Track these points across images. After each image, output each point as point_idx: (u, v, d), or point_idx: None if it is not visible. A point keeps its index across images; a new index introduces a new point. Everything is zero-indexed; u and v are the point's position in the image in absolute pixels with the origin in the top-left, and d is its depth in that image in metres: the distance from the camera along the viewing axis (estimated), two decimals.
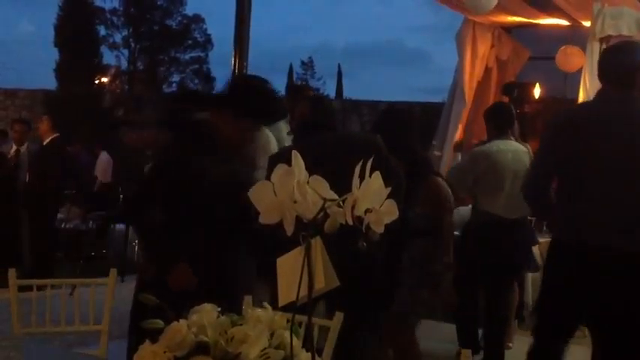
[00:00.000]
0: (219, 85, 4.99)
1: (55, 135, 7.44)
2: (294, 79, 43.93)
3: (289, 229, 1.07)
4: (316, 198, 1.06)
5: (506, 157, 4.77)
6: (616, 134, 3.13)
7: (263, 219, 1.10)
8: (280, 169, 1.08)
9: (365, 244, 1.09)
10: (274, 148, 4.35)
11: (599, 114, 3.21)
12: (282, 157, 3.35)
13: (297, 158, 1.08)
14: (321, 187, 1.08)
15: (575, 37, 8.03)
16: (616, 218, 3.08)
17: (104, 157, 11.78)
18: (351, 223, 1.05)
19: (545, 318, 3.36)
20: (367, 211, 1.07)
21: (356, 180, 1.07)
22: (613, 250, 3.05)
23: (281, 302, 1.16)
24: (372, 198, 1.06)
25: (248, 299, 2.26)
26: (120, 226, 8.90)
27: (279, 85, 5.91)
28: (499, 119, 4.97)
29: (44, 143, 7.50)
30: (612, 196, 3.09)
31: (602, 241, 3.07)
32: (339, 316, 2.26)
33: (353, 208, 1.06)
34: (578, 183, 3.18)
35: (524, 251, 5.04)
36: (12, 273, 2.71)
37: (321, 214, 1.07)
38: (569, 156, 3.19)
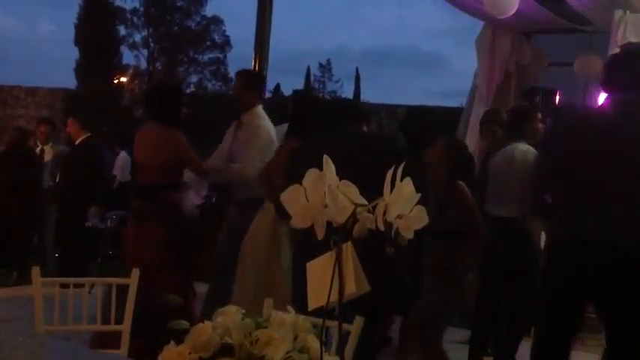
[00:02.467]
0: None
1: (86, 135, 7.44)
2: (312, 81, 43.99)
3: (320, 233, 1.08)
4: (347, 203, 1.07)
5: (505, 157, 4.83)
6: (616, 134, 3.28)
7: (294, 223, 1.11)
8: (313, 173, 1.09)
9: (393, 249, 1.09)
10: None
11: (606, 117, 3.33)
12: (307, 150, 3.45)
13: (328, 163, 1.09)
14: (352, 193, 1.08)
15: (595, 43, 7.99)
16: (610, 215, 3.25)
17: (123, 155, 11.87)
18: (382, 228, 1.06)
19: (550, 317, 3.45)
20: (397, 216, 1.07)
21: (387, 186, 1.07)
22: (609, 246, 3.20)
23: (311, 306, 1.17)
24: (404, 204, 1.07)
25: (269, 301, 2.26)
26: None
27: (296, 86, 5.98)
28: (507, 125, 5.13)
29: (76, 143, 7.51)
30: (608, 194, 3.25)
31: (600, 238, 3.22)
32: (359, 321, 2.26)
33: (384, 213, 1.06)
34: (576, 183, 3.29)
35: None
36: (36, 271, 2.73)
37: (351, 219, 1.07)
38: (566, 158, 3.34)
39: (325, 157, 1.10)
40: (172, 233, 4.30)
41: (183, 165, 4.47)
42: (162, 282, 4.09)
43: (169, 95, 4.65)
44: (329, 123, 3.90)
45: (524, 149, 4.77)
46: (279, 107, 5.31)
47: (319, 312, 1.17)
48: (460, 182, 4.04)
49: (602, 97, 6.87)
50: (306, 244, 3.43)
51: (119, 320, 2.93)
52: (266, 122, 4.88)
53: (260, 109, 4.95)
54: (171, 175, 4.43)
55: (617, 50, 6.83)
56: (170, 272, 4.22)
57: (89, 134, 7.47)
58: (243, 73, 5.30)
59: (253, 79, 5.28)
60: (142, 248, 4.25)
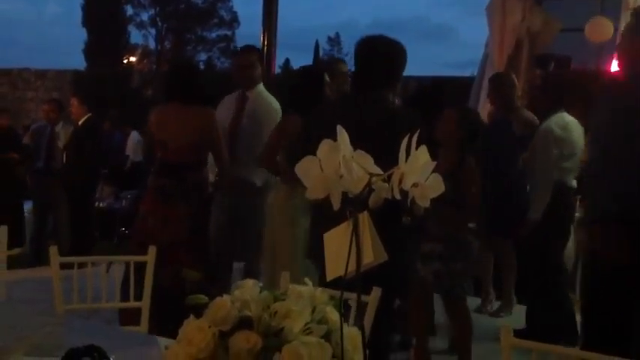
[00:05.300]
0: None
1: (88, 114, 7.53)
2: (321, 55, 43.73)
3: (336, 204, 1.08)
4: (362, 173, 1.07)
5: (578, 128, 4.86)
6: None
7: (310, 194, 1.10)
8: (326, 144, 1.08)
9: (410, 218, 1.09)
10: None
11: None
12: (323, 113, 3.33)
13: (342, 134, 1.08)
14: (367, 162, 1.08)
15: (607, 7, 7.89)
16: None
17: (135, 135, 11.91)
18: (398, 197, 1.05)
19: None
20: (413, 185, 1.07)
21: (402, 154, 1.07)
22: None
23: (329, 277, 1.17)
24: (419, 172, 1.06)
25: (286, 275, 2.28)
26: None
27: (306, 60, 5.94)
28: (561, 91, 5.04)
29: (79, 123, 7.59)
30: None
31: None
32: (376, 291, 2.27)
33: (400, 182, 1.06)
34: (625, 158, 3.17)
35: None
36: (54, 250, 2.75)
37: (367, 189, 1.07)
38: (612, 130, 3.19)
39: (339, 127, 1.09)
40: (199, 212, 4.27)
41: (210, 147, 4.39)
42: (186, 260, 4.10)
43: (195, 73, 4.58)
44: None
45: None
46: (288, 82, 5.21)
47: (337, 283, 1.18)
48: (471, 163, 4.00)
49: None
50: (321, 217, 3.40)
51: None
52: (275, 103, 4.79)
53: (262, 86, 4.88)
54: (199, 154, 4.37)
55: (629, 12, 6.75)
56: (194, 250, 4.21)
57: (90, 114, 7.54)
58: (255, 48, 5.17)
59: (261, 55, 5.18)
60: (167, 227, 4.22)
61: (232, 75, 4.99)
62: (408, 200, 1.09)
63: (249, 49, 5.12)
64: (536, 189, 4.88)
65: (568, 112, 4.89)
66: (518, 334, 2.02)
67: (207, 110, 4.34)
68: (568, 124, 4.82)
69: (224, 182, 4.65)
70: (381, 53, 3.28)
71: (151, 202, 4.37)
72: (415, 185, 1.07)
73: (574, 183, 4.91)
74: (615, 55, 6.78)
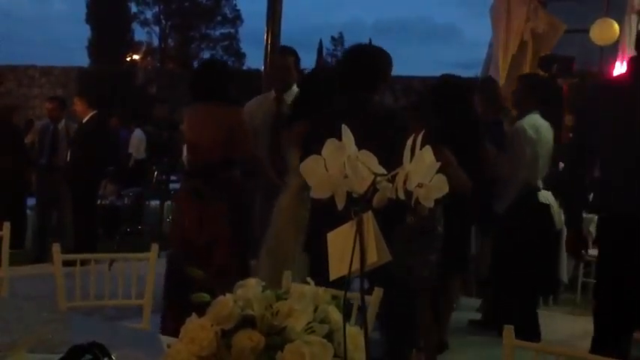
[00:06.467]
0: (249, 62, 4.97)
1: (93, 112, 7.53)
2: (324, 54, 43.65)
3: (340, 204, 1.08)
4: (367, 173, 1.07)
5: (548, 130, 4.89)
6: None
7: (314, 194, 1.10)
8: (331, 143, 1.08)
9: (414, 218, 1.09)
10: None
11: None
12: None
13: (347, 133, 1.08)
14: (371, 162, 1.08)
15: (612, 9, 7.88)
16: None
17: (138, 133, 11.91)
18: (402, 197, 1.05)
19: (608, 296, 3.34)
20: (417, 185, 1.07)
21: (407, 154, 1.07)
22: None
23: (332, 277, 1.17)
24: (424, 172, 1.06)
25: (288, 274, 2.27)
26: (155, 202, 9.01)
27: (309, 60, 5.93)
28: (546, 93, 5.04)
29: (83, 121, 7.59)
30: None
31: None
32: (377, 292, 2.27)
33: (404, 182, 1.06)
34: (622, 156, 3.19)
35: None
36: (56, 248, 2.76)
37: (372, 189, 1.07)
38: (610, 129, 3.20)
39: (344, 127, 1.09)
40: (233, 211, 4.22)
41: (237, 146, 4.24)
42: (220, 259, 4.07)
43: (220, 72, 4.50)
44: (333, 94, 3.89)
45: None
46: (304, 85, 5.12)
47: (339, 282, 1.18)
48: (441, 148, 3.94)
49: (619, 63, 6.86)
50: (322, 216, 3.41)
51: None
52: None
53: (297, 88, 4.76)
54: (229, 152, 4.25)
55: (634, 15, 6.75)
56: (228, 249, 4.17)
57: (95, 111, 7.55)
58: (291, 50, 5.04)
59: (298, 58, 4.94)
60: (203, 227, 4.18)
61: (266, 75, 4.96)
62: (412, 200, 1.09)
63: (284, 50, 5.05)
64: (503, 185, 4.90)
65: (543, 115, 4.90)
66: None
67: (234, 108, 4.29)
68: (539, 126, 4.84)
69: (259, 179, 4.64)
70: (363, 58, 3.62)
71: (185, 203, 4.33)
72: (420, 185, 1.07)
73: (539, 184, 4.91)
74: (623, 58, 6.82)
